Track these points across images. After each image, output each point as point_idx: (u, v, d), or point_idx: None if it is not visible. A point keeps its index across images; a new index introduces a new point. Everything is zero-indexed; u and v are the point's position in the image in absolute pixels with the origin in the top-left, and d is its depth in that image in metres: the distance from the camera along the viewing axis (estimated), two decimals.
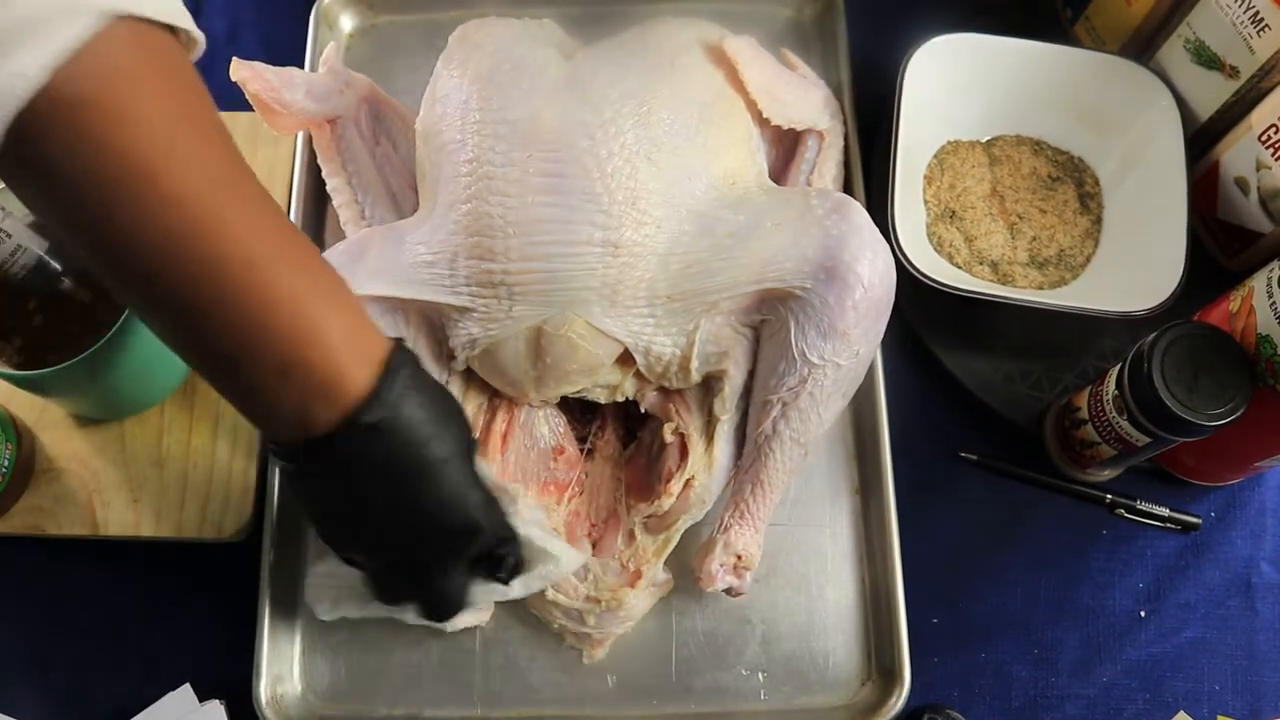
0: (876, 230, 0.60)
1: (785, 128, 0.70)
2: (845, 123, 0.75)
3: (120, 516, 0.69)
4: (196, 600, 0.70)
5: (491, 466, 0.63)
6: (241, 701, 0.64)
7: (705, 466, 0.63)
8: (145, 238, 0.42)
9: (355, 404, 0.46)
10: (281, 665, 0.66)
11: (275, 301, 0.45)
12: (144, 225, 0.42)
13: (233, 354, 0.45)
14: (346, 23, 0.85)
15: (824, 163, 0.72)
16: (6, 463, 0.67)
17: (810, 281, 0.58)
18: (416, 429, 0.49)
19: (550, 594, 0.63)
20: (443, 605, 0.55)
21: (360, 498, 0.50)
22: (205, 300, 0.44)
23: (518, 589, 0.58)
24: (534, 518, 0.58)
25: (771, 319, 0.61)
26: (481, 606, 0.59)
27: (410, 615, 0.57)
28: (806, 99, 0.73)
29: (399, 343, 0.50)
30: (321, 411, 0.46)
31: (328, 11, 0.84)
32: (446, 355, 0.64)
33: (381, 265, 0.62)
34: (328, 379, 0.46)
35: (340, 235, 0.71)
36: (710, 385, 0.63)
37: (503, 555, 0.55)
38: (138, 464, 0.71)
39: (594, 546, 0.66)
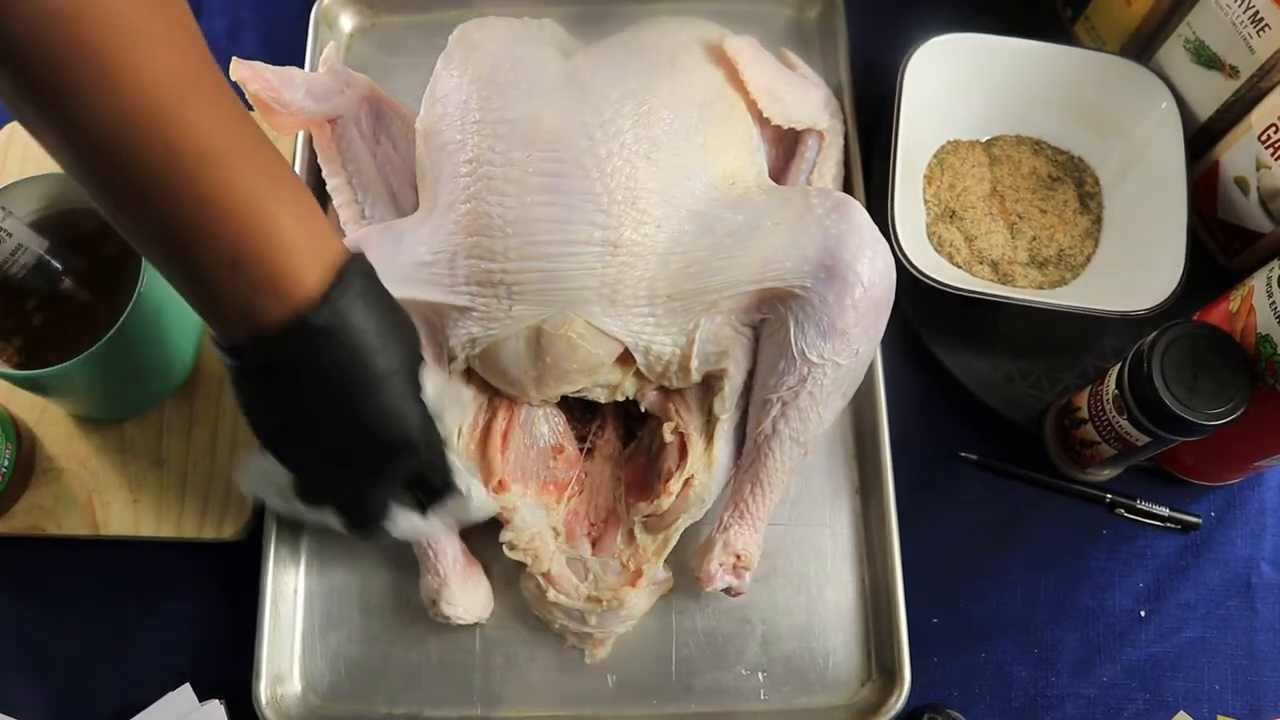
0: (876, 229, 0.60)
1: (785, 127, 0.70)
2: (845, 122, 0.75)
3: (120, 516, 0.69)
4: (196, 600, 0.70)
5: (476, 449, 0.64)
6: (241, 701, 0.64)
7: (705, 466, 0.63)
8: (101, 121, 0.42)
9: (303, 304, 0.47)
10: (281, 665, 0.66)
11: (229, 194, 0.45)
12: (100, 109, 0.42)
13: (183, 242, 0.45)
14: (346, 23, 0.85)
15: (824, 162, 0.72)
16: (6, 463, 0.67)
17: (810, 280, 0.58)
18: (364, 337, 0.49)
19: (551, 594, 0.63)
20: (364, 517, 0.56)
21: (298, 401, 0.50)
22: (158, 190, 0.44)
23: (433, 521, 0.58)
24: (461, 462, 0.59)
25: (771, 318, 0.61)
26: (396, 531, 0.59)
27: (331, 521, 0.57)
28: (807, 99, 0.73)
29: (358, 254, 0.50)
30: (268, 308, 0.46)
31: (328, 11, 0.84)
32: (447, 355, 0.64)
33: (380, 264, 0.61)
34: (277, 275, 0.46)
35: (340, 234, 0.71)
36: (710, 384, 0.63)
37: (429, 480, 0.56)
38: (138, 464, 0.71)
39: (594, 545, 0.66)
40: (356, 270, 0.49)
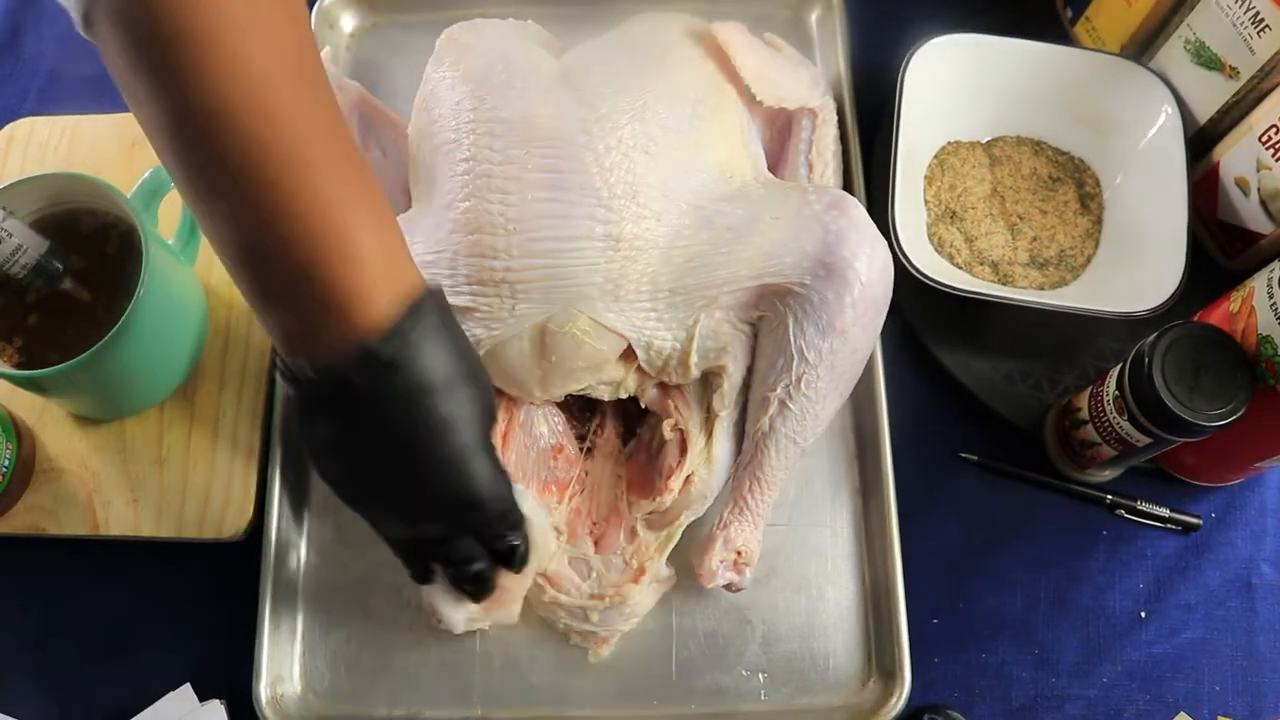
0: (874, 226, 0.60)
1: (778, 108, 0.70)
2: (836, 99, 0.76)
3: (120, 516, 0.69)
4: (196, 600, 0.69)
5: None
6: (241, 701, 0.64)
7: (705, 462, 0.63)
8: (194, 102, 0.41)
9: (371, 332, 0.44)
10: (281, 665, 0.66)
11: (310, 199, 0.43)
12: (196, 90, 0.41)
13: (257, 245, 0.43)
14: (347, 23, 0.85)
15: (820, 140, 0.73)
16: (6, 463, 0.67)
17: (809, 278, 0.58)
18: (433, 376, 0.46)
19: (552, 593, 0.63)
20: (467, 576, 0.53)
21: (356, 440, 0.47)
22: (239, 184, 0.42)
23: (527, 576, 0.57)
24: (532, 508, 0.58)
25: (770, 315, 0.61)
26: (503, 593, 0.58)
27: (462, 606, 0.57)
28: (796, 78, 0.73)
29: (436, 290, 0.48)
30: (334, 332, 0.44)
31: (328, 11, 0.84)
32: None
33: None
34: (347, 294, 0.44)
35: None
36: (709, 381, 0.64)
37: (507, 539, 0.53)
38: (138, 464, 0.71)
39: (596, 544, 0.66)
40: (432, 304, 0.47)
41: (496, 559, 0.54)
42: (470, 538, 0.53)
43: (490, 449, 0.51)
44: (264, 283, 0.45)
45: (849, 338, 0.59)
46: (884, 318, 0.61)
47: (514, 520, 0.54)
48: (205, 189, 0.44)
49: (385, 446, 0.47)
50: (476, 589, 0.56)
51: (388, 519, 0.52)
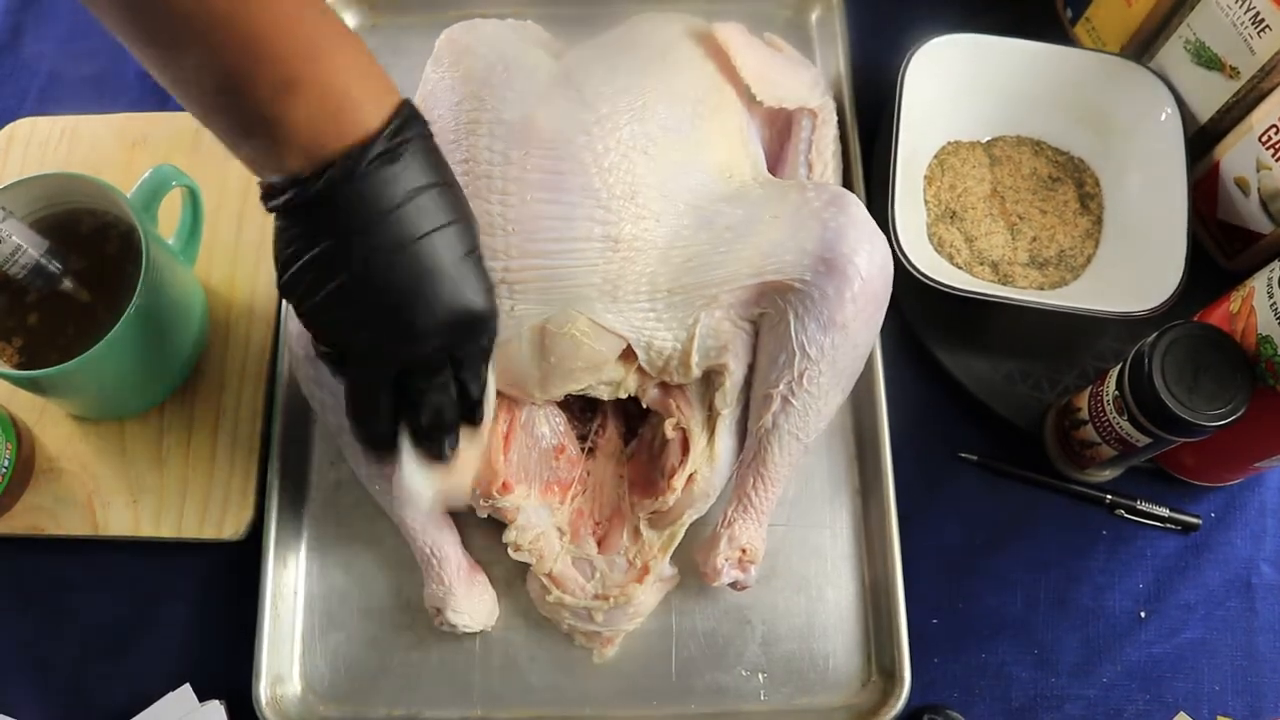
0: (873, 222, 0.60)
1: (778, 108, 0.70)
2: (836, 99, 0.76)
3: (120, 517, 0.69)
4: (196, 600, 0.69)
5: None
6: (241, 701, 0.64)
7: (708, 460, 0.63)
8: None
9: (363, 136, 0.44)
10: (281, 665, 0.66)
11: (294, 25, 0.43)
12: None
13: (240, 68, 0.43)
14: (347, 22, 0.85)
15: (820, 140, 0.73)
16: (6, 463, 0.67)
17: (809, 274, 0.59)
18: (429, 177, 0.46)
19: (556, 594, 0.63)
20: (439, 424, 0.50)
21: (355, 252, 0.45)
22: (205, 21, 0.42)
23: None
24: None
25: (770, 312, 0.61)
26: (459, 460, 0.54)
27: (425, 474, 0.52)
28: (796, 78, 0.73)
29: (409, 101, 0.47)
30: (326, 137, 0.44)
31: None
32: None
33: None
34: (338, 101, 0.44)
35: None
36: (711, 380, 0.64)
37: (466, 383, 0.50)
38: (138, 464, 0.71)
39: (599, 544, 0.66)
40: (417, 117, 0.47)
41: (464, 405, 0.51)
42: (449, 369, 0.50)
43: (482, 265, 0.49)
44: (245, 103, 0.44)
45: (850, 333, 0.59)
46: (884, 313, 0.62)
47: (491, 347, 0.51)
48: (168, 35, 0.44)
49: (383, 253, 0.45)
50: (439, 446, 0.51)
51: (375, 344, 0.48)
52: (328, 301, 0.47)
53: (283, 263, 0.47)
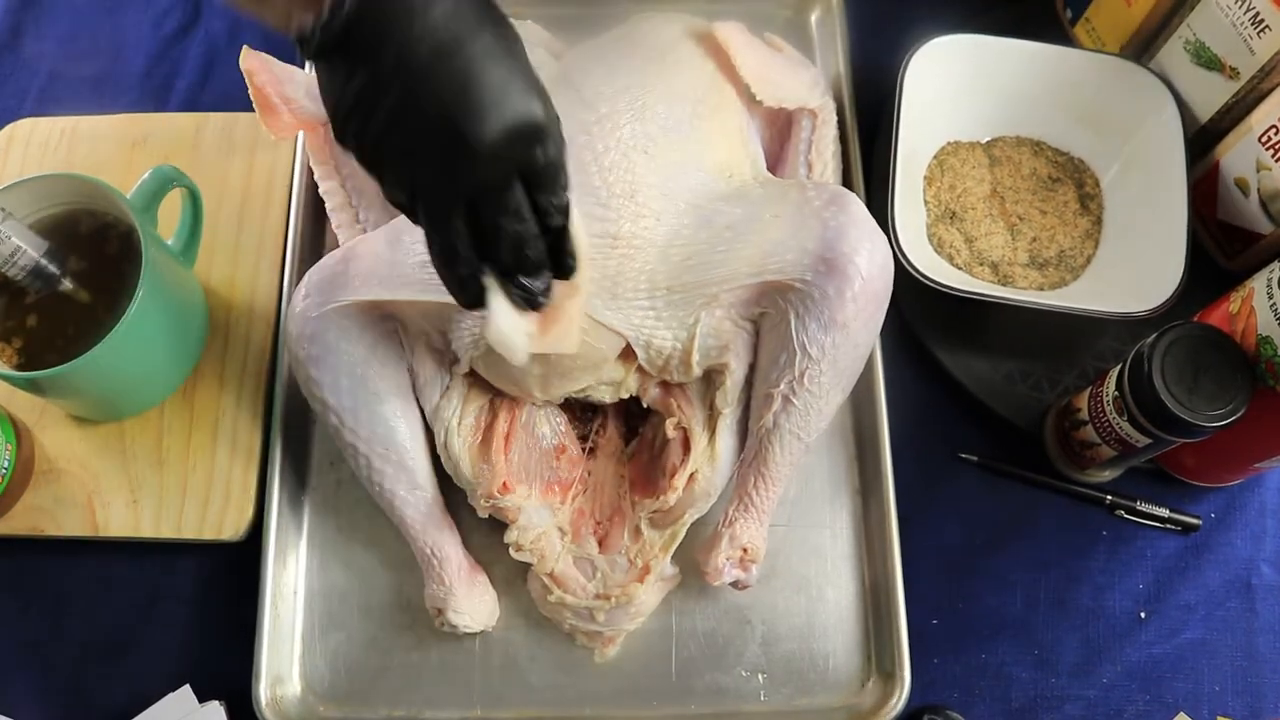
0: (873, 221, 0.61)
1: (778, 108, 0.70)
2: (836, 99, 0.76)
3: (120, 517, 0.69)
4: (196, 600, 0.69)
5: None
6: (241, 701, 0.64)
7: (709, 460, 0.63)
8: None
9: None
10: (281, 665, 0.66)
11: None
12: None
13: None
14: None
15: (820, 140, 0.73)
16: (6, 463, 0.67)
17: (810, 273, 0.59)
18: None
19: (558, 594, 0.63)
20: (526, 264, 0.48)
21: (410, 73, 0.43)
22: None
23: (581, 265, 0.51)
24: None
25: (771, 312, 0.61)
26: (557, 311, 0.50)
27: (520, 324, 0.50)
28: (797, 78, 0.73)
29: None
30: None
31: None
32: (449, 360, 0.64)
33: (379, 268, 0.62)
34: None
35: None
36: (711, 379, 0.64)
37: (562, 193, 0.48)
38: (138, 464, 0.71)
39: (600, 544, 0.66)
40: None
41: (549, 239, 0.49)
42: (519, 189, 0.47)
43: (530, 66, 0.46)
44: None
45: (851, 332, 0.59)
46: (885, 312, 0.62)
47: (566, 174, 0.49)
48: None
49: (420, 63, 0.44)
50: (527, 290, 0.50)
51: (435, 170, 0.46)
52: (378, 134, 0.45)
53: (331, 111, 0.46)
